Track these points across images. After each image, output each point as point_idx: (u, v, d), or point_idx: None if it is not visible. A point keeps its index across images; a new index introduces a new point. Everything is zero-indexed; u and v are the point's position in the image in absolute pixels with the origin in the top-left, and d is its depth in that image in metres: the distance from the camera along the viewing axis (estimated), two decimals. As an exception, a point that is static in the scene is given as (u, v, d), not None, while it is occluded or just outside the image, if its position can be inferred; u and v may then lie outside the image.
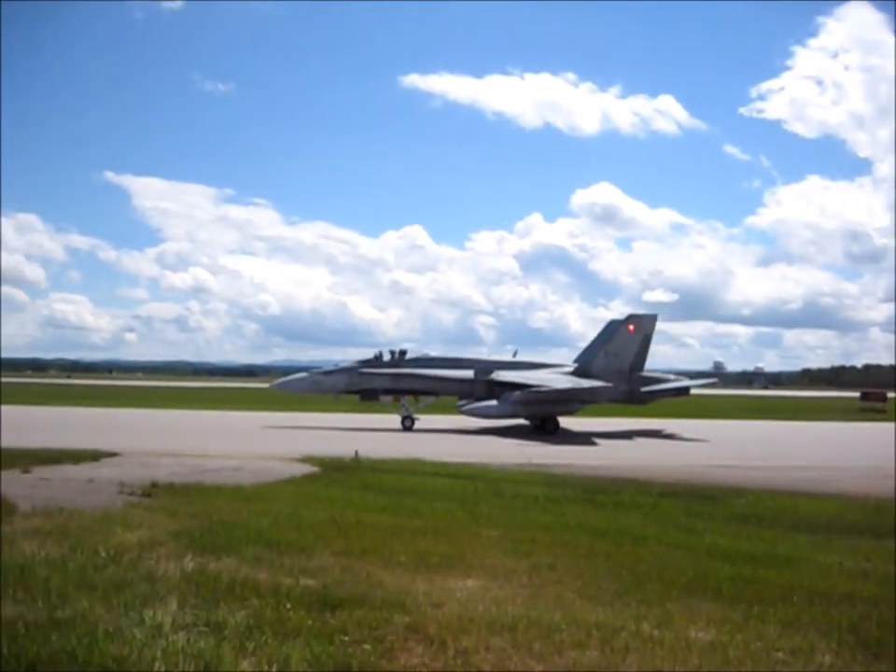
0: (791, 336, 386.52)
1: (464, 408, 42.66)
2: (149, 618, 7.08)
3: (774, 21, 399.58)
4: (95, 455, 22.17)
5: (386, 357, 42.78)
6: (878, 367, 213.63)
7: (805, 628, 7.90)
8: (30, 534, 10.65)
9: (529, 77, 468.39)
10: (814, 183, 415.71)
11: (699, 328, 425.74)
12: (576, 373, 43.87)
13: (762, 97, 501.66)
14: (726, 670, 6.69)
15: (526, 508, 16.06)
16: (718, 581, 9.94)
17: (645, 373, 44.87)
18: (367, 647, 6.73)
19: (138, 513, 12.91)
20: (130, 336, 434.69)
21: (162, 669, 6.03)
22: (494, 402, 40.64)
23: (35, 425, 37.63)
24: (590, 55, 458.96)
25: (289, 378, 45.10)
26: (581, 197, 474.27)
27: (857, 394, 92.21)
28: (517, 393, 40.25)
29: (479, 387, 42.40)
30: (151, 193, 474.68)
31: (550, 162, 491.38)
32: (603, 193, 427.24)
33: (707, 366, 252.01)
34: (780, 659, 7.00)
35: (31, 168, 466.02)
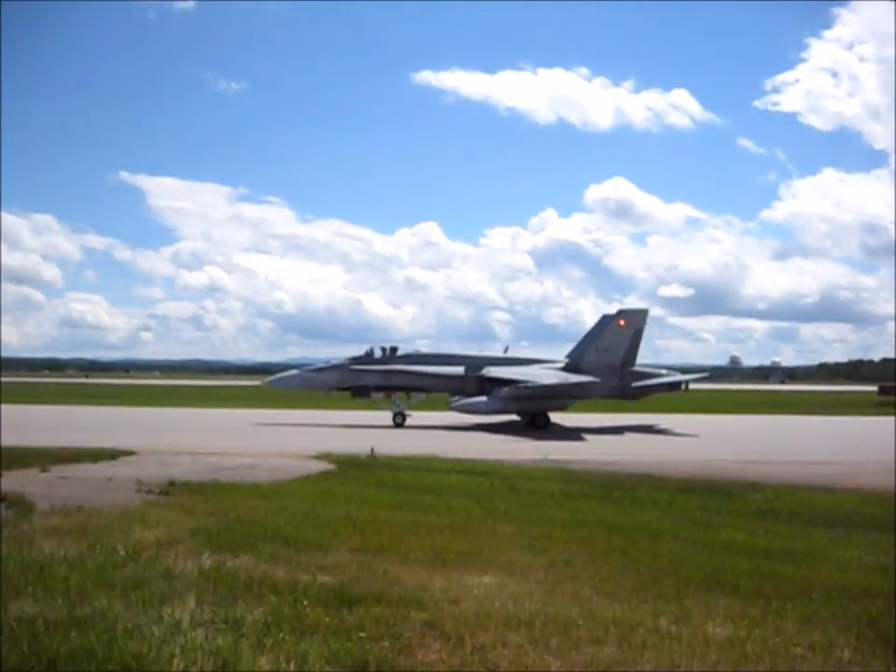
0: (807, 330, 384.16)
1: (453, 404, 42.47)
2: (168, 615, 7.14)
3: (788, 12, 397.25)
4: (113, 454, 22.29)
5: (378, 354, 42.78)
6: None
7: (823, 624, 7.86)
8: (49, 532, 10.74)
9: (542, 72, 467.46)
10: (829, 176, 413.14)
11: (715, 322, 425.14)
12: (567, 369, 43.57)
13: (776, 90, 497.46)
14: (744, 667, 6.68)
15: (542, 504, 16.03)
16: (735, 576, 9.91)
17: (637, 368, 44.48)
18: (384, 643, 6.75)
19: (156, 511, 12.99)
20: (146, 335, 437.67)
21: (181, 666, 6.07)
22: (483, 399, 40.55)
23: (53, 424, 37.87)
24: (603, 50, 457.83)
25: (281, 375, 45.20)
26: (595, 192, 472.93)
27: (874, 388, 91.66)
28: (506, 389, 39.99)
29: (469, 384, 42.32)
30: (166, 193, 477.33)
31: (563, 158, 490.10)
32: (617, 188, 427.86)
33: (723, 361, 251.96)
34: (799, 654, 6.98)
35: (46, 169, 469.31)
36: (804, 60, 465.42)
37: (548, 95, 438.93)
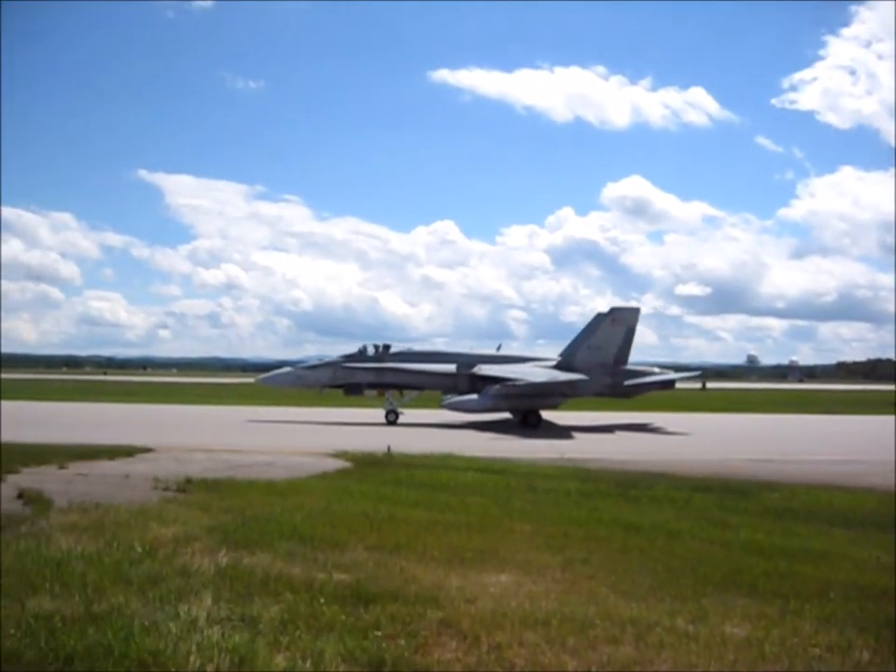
0: (825, 329, 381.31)
1: (444, 403, 42.27)
2: (184, 612, 7.16)
3: (806, 10, 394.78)
4: (130, 451, 22.39)
5: (371, 352, 42.78)
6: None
7: (842, 624, 7.80)
8: (67, 529, 10.79)
9: (559, 70, 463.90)
10: (848, 174, 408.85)
11: (732, 321, 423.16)
12: (559, 367, 43.32)
13: (794, 88, 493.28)
14: (762, 667, 6.63)
15: (559, 502, 16.00)
16: (753, 576, 9.87)
17: (630, 367, 44.31)
18: (401, 641, 6.75)
19: (173, 509, 13.03)
20: (163, 333, 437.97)
21: (197, 663, 6.09)
22: (474, 396, 40.37)
23: (71, 421, 38.07)
24: (620, 48, 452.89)
25: (275, 373, 45.22)
26: (612, 190, 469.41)
27: (893, 387, 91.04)
28: (495, 387, 39.83)
29: (461, 381, 42.20)
30: (183, 191, 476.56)
31: (580, 156, 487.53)
32: (634, 186, 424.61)
33: (740, 360, 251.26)
34: (817, 655, 6.93)
35: (64, 167, 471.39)
36: (821, 57, 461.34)
37: (565, 94, 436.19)
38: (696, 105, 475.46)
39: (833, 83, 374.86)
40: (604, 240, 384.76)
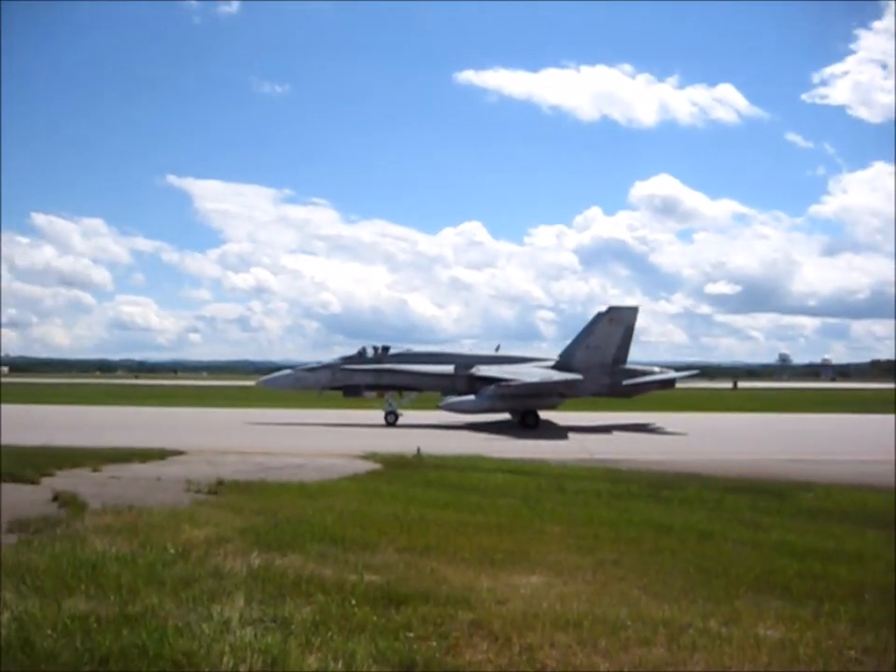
0: (858, 327, 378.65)
1: (441, 404, 41.97)
2: (217, 613, 7.22)
3: (836, 3, 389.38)
4: (162, 454, 22.59)
5: (370, 353, 42.74)
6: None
7: (877, 626, 7.70)
8: (101, 531, 10.91)
9: (585, 69, 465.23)
10: (880, 169, 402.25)
11: (763, 320, 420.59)
12: (557, 367, 43.01)
13: (824, 82, 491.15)
14: (797, 668, 6.58)
15: (589, 504, 15.94)
16: (786, 577, 9.77)
17: (629, 366, 43.87)
18: (432, 643, 6.76)
19: (205, 511, 13.13)
20: (194, 336, 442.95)
21: (230, 664, 6.13)
22: (471, 397, 40.21)
23: (104, 424, 38.48)
24: (646, 45, 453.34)
25: (275, 375, 45.34)
26: (640, 189, 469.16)
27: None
28: (492, 387, 39.64)
29: (460, 382, 42.09)
30: (212, 195, 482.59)
31: (608, 155, 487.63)
32: (663, 185, 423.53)
33: (772, 359, 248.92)
34: (853, 658, 6.86)
35: (95, 174, 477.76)
36: (852, 51, 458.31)
37: (591, 92, 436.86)
38: (725, 101, 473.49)
39: (865, 77, 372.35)
40: (632, 239, 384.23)
